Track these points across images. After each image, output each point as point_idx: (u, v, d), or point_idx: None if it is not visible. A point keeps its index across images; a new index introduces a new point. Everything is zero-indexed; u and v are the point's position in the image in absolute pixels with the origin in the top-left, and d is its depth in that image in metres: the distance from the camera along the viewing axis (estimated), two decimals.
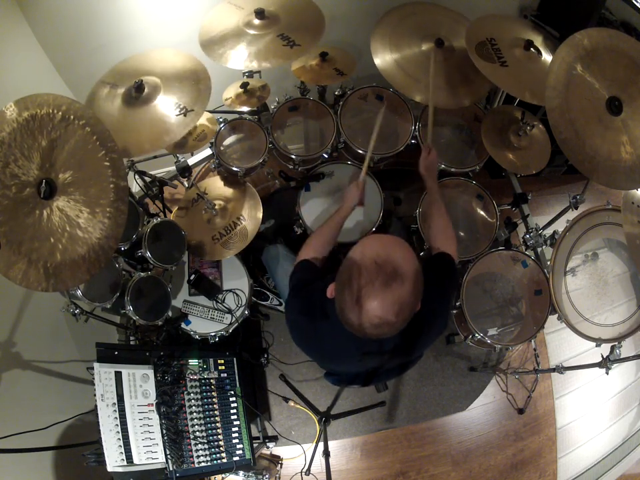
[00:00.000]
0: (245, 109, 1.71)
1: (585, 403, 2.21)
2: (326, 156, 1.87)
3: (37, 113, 1.07)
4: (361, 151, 1.83)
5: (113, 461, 1.34)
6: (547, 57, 1.64)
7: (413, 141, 1.88)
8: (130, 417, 1.40)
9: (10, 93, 1.21)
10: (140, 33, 1.77)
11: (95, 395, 1.37)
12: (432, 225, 1.39)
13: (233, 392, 1.66)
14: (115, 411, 1.38)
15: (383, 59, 1.67)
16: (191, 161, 1.92)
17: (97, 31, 1.72)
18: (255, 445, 1.72)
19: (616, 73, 1.33)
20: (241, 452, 1.59)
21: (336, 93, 1.95)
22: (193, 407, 1.56)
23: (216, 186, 1.84)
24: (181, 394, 1.54)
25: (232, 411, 1.64)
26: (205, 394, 1.60)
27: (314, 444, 1.91)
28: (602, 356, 1.58)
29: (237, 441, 1.60)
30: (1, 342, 1.38)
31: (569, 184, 2.44)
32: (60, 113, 1.09)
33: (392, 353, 1.08)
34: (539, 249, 1.81)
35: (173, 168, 1.82)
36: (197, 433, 1.53)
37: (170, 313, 1.65)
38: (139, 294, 1.55)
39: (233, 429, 1.61)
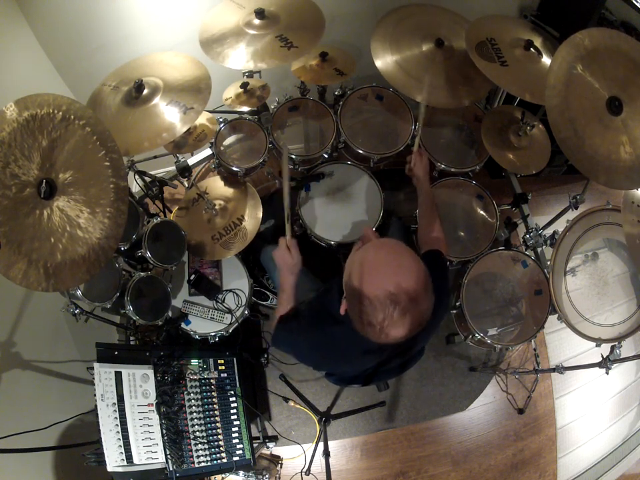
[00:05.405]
0: (245, 108, 1.71)
1: (585, 402, 2.21)
2: (326, 156, 1.87)
3: (37, 113, 1.07)
4: (361, 151, 1.83)
5: (113, 460, 1.34)
6: (546, 57, 1.65)
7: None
8: (130, 416, 1.40)
9: (10, 93, 1.21)
10: (140, 33, 1.78)
11: (94, 395, 1.37)
12: (426, 229, 1.39)
13: (233, 392, 1.66)
14: (115, 411, 1.38)
15: (383, 59, 1.67)
16: (191, 161, 1.92)
17: (97, 31, 1.72)
18: (255, 445, 1.71)
19: (616, 73, 1.33)
20: (240, 452, 1.59)
21: (336, 93, 1.95)
22: (193, 407, 1.56)
23: (216, 186, 1.84)
24: (181, 394, 1.54)
25: (232, 411, 1.63)
26: (205, 394, 1.60)
27: (314, 444, 1.91)
28: (602, 356, 1.57)
29: (236, 440, 1.60)
30: (1, 342, 1.38)
31: (569, 184, 2.44)
32: (60, 113, 1.09)
33: (392, 350, 1.08)
34: (539, 249, 1.81)
35: (173, 168, 1.82)
36: (197, 433, 1.53)
37: (170, 313, 1.65)
38: (139, 294, 1.55)
39: (233, 429, 1.61)
